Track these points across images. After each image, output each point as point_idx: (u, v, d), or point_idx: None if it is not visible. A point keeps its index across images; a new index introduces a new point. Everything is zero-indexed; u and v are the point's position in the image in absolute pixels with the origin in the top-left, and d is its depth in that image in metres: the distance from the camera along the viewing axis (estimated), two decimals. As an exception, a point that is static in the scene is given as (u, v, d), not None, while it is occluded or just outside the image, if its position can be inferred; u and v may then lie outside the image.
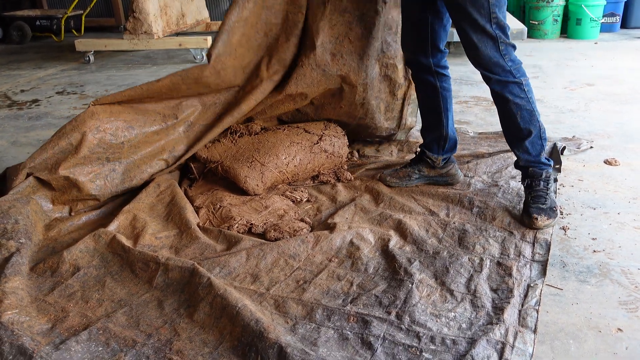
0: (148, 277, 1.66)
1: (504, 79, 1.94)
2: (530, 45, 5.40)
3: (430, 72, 2.14)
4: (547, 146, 2.43)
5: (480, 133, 2.88)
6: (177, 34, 5.70)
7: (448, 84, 2.19)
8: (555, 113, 3.20)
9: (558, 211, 1.95)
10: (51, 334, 1.44)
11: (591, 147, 2.64)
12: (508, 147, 2.52)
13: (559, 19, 5.77)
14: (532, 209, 1.92)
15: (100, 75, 4.90)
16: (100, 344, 1.40)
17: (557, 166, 2.35)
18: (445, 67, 2.17)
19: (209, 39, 5.12)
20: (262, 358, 1.30)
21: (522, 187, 2.09)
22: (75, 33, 7.39)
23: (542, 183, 1.98)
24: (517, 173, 2.25)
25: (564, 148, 2.54)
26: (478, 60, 1.94)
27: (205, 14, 6.23)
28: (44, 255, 1.82)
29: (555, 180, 2.23)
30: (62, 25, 6.97)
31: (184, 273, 1.63)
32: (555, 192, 2.14)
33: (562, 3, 5.69)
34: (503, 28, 1.89)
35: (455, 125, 2.98)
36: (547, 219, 1.89)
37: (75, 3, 7.17)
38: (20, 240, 1.79)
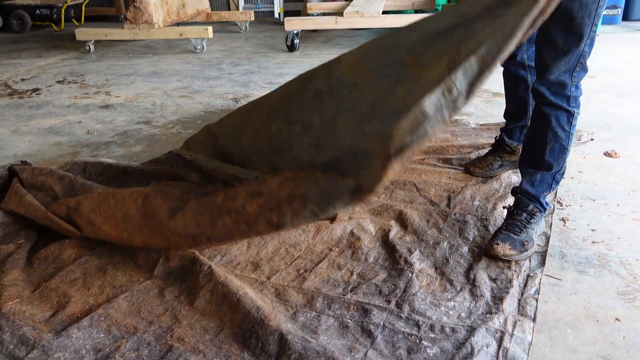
0: (149, 266, 1.67)
1: (557, 102, 1.72)
2: (531, 38, 5.39)
3: (523, 66, 2.08)
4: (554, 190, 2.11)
5: (481, 124, 2.89)
6: (178, 24, 5.68)
7: None
8: (555, 105, 3.20)
9: (530, 250, 1.71)
10: (53, 321, 1.45)
11: (592, 139, 2.65)
12: (508, 139, 2.53)
13: (561, 11, 5.75)
14: (499, 234, 1.72)
15: (101, 64, 4.89)
16: (102, 331, 1.41)
17: (558, 158, 2.35)
18: None
19: (210, 29, 5.10)
20: (263, 345, 1.31)
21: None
22: (75, 22, 7.36)
23: (524, 215, 1.78)
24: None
25: (564, 140, 2.54)
26: (544, 72, 1.71)
27: (205, 4, 6.21)
28: (45, 242, 1.83)
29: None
30: (62, 14, 6.94)
31: (184, 261, 1.63)
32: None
33: (564, -5, 5.67)
34: (592, 45, 1.68)
35: (457, 117, 2.99)
36: (511, 250, 1.67)
37: (75, -8, 7.14)
38: (20, 242, 1.80)
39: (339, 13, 5.39)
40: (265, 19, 7.41)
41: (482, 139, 2.65)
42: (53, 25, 7.07)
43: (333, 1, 6.34)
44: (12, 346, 1.35)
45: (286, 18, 5.04)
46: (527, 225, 1.75)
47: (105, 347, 1.36)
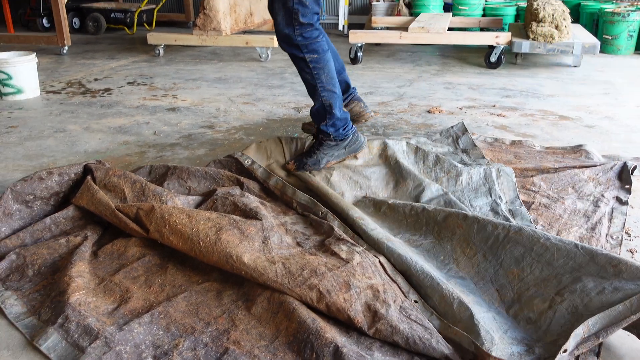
0: (209, 269, 1.70)
1: (292, 51, 2.15)
2: (601, 61, 5.22)
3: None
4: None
5: (547, 147, 2.81)
6: (244, 32, 5.81)
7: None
8: (625, 132, 3.09)
9: (317, 168, 2.27)
10: (115, 314, 1.50)
11: (664, 169, 2.53)
12: (575, 164, 2.46)
13: (634, 35, 5.56)
14: (299, 157, 2.32)
15: (169, 68, 5.06)
16: (161, 328, 1.45)
17: (627, 186, 2.27)
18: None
19: (275, 38, 5.19)
20: (317, 355, 1.32)
21: (589, 208, 2.06)
22: (146, 27, 7.65)
23: (316, 143, 2.33)
24: (585, 192, 2.20)
25: (634, 167, 2.44)
26: (275, 27, 2.15)
27: (272, 13, 6.32)
28: (111, 237, 1.90)
29: (626, 202, 2.15)
30: (135, 18, 7.23)
31: (243, 266, 1.66)
32: (625, 215, 2.07)
33: (639, 18, 5.48)
34: (304, 5, 2.06)
35: (520, 138, 2.92)
36: (297, 168, 2.28)
37: (148, -2, 7.43)
38: (87, 235, 1.88)
39: (404, 28, 5.39)
40: (329, 30, 7.48)
41: (548, 162, 2.58)
42: (126, 28, 7.37)
43: (397, 15, 6.34)
44: (76, 335, 1.41)
45: (351, 31, 5.07)
46: (316, 151, 2.29)
47: (164, 344, 1.39)
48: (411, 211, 1.99)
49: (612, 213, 2.09)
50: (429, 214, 1.94)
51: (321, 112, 2.26)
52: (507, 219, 2.00)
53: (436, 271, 1.68)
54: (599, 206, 2.12)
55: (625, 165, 2.42)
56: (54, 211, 2.03)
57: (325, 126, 2.27)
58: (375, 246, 1.78)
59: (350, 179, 2.27)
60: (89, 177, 2.06)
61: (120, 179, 2.05)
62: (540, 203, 2.15)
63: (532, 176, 2.39)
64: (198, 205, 2.05)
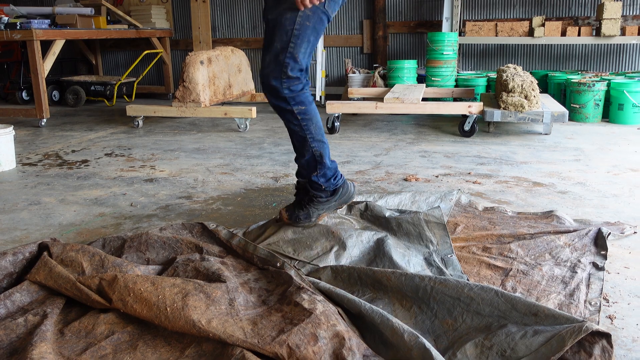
0: (181, 347, 1.64)
1: (279, 104, 2.17)
2: (571, 128, 5.39)
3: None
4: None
5: (519, 213, 2.84)
6: (223, 104, 5.91)
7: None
8: (598, 197, 3.15)
9: (309, 222, 2.32)
10: (81, 397, 1.42)
11: (635, 232, 2.57)
12: (549, 229, 2.49)
13: (601, 104, 5.77)
14: (287, 208, 2.36)
15: (148, 139, 5.08)
16: (129, 411, 1.38)
17: (603, 252, 2.29)
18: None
19: (254, 109, 5.29)
20: None
21: (567, 274, 2.05)
22: (126, 99, 7.74)
23: (306, 198, 2.34)
24: (562, 258, 2.20)
25: (609, 234, 2.47)
26: (262, 80, 2.17)
27: (251, 85, 6.46)
28: (79, 314, 1.83)
29: (602, 268, 2.16)
30: (115, 91, 7.32)
31: (217, 345, 1.61)
32: (602, 280, 2.08)
33: (604, 88, 5.71)
34: (295, 60, 2.11)
35: (494, 205, 2.96)
36: (289, 219, 2.33)
37: (128, 71, 7.55)
38: (46, 311, 1.81)
39: (379, 98, 5.53)
40: (306, 101, 7.64)
41: (522, 228, 2.60)
42: (105, 100, 7.44)
43: (373, 87, 6.52)
44: (38, 422, 1.33)
45: (328, 101, 5.19)
46: (308, 205, 2.33)
47: None
48: (342, 268, 2.05)
49: (589, 279, 2.09)
50: (359, 270, 2.00)
51: (311, 163, 2.29)
52: (441, 270, 2.10)
53: None
54: (576, 272, 2.12)
55: (600, 231, 2.45)
56: (5, 292, 1.95)
57: (317, 177, 2.31)
58: (326, 295, 1.81)
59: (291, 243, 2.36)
60: (45, 253, 2.01)
61: (78, 253, 2.01)
62: (518, 270, 2.15)
63: (509, 243, 2.40)
64: (159, 274, 2.02)
